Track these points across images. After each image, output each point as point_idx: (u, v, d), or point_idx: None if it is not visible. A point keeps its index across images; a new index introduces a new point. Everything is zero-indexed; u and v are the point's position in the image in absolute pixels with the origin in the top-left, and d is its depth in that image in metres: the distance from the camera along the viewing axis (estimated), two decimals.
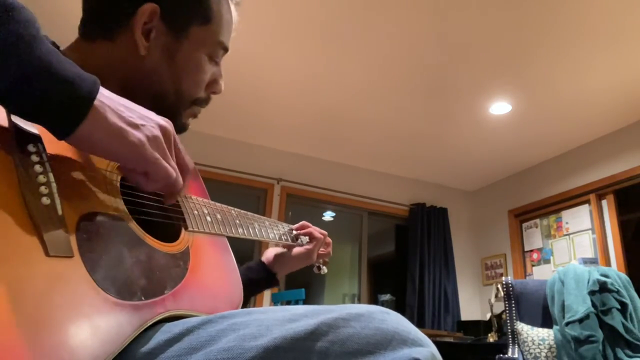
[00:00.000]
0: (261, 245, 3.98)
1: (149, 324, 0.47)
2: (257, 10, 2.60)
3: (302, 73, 3.19)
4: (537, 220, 4.35)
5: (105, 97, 0.46)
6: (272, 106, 3.62)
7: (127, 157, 0.48)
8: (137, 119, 0.48)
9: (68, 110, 0.43)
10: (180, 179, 0.53)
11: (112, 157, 0.48)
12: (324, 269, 1.03)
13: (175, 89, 0.67)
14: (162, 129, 0.51)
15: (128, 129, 0.47)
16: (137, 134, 0.48)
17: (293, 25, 2.74)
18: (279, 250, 0.98)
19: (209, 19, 0.68)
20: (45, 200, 0.43)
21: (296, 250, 0.96)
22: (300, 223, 0.99)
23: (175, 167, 0.52)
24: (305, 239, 0.97)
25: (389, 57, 2.98)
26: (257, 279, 0.94)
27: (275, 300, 3.27)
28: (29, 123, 0.46)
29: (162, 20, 0.64)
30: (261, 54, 2.98)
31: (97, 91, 0.45)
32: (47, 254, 0.41)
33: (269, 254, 0.98)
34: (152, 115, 0.51)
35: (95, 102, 0.44)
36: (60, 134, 0.44)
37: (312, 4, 2.55)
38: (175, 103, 0.68)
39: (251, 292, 0.93)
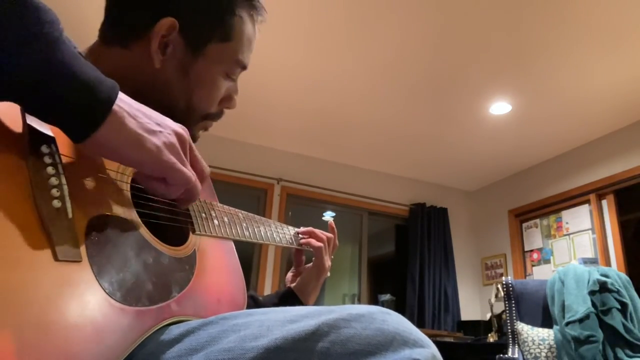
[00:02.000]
0: (261, 247, 3.98)
1: (153, 330, 0.47)
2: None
3: (302, 73, 3.19)
4: (537, 220, 4.35)
5: (124, 102, 0.46)
6: (272, 107, 3.63)
7: (144, 163, 0.48)
8: (154, 125, 0.48)
9: (86, 113, 0.43)
10: (199, 184, 0.53)
11: (129, 163, 0.48)
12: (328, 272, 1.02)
13: (187, 103, 0.66)
14: (178, 135, 0.51)
15: (145, 135, 0.47)
16: (154, 140, 0.47)
17: (293, 25, 2.74)
18: (291, 277, 0.95)
19: (230, 37, 0.66)
20: (57, 204, 0.43)
21: (306, 270, 0.93)
22: (307, 229, 0.96)
23: (193, 172, 0.52)
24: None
25: (389, 58, 2.98)
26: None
27: None
28: (44, 124, 0.46)
29: (181, 35, 0.63)
30: (262, 54, 2.98)
31: (116, 96, 0.45)
32: (56, 258, 0.41)
33: (291, 283, 0.94)
34: (168, 121, 0.51)
35: (114, 107, 0.44)
36: (76, 137, 0.44)
37: (313, 5, 2.55)
38: (186, 116, 0.67)
39: None
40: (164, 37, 0.62)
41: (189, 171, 0.51)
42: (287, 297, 0.90)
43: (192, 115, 0.68)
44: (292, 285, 0.92)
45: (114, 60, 0.62)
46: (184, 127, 0.53)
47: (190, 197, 0.54)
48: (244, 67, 0.71)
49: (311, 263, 0.93)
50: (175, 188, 0.51)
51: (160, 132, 0.49)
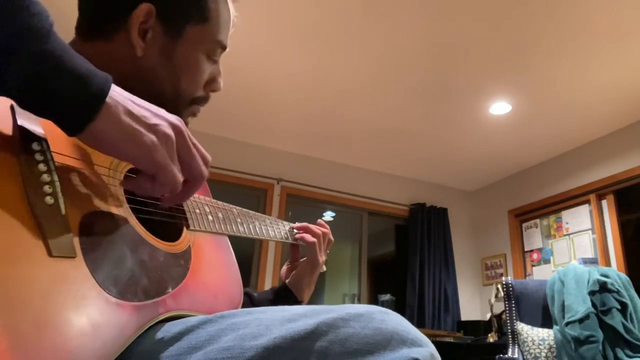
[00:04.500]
0: (261, 244, 3.98)
1: (150, 325, 0.47)
2: (258, 11, 2.60)
3: (302, 73, 3.19)
4: (537, 220, 4.35)
5: (118, 94, 0.45)
6: (272, 106, 3.63)
7: (137, 158, 0.47)
8: (150, 118, 0.48)
9: (79, 106, 0.42)
10: (180, 187, 0.52)
11: (123, 157, 0.48)
12: (323, 267, 1.03)
13: (173, 89, 0.66)
14: (175, 128, 0.50)
15: (141, 129, 0.46)
16: (150, 136, 0.47)
17: (293, 25, 2.74)
18: (286, 271, 0.95)
19: (206, 18, 0.67)
20: (49, 200, 0.43)
21: (300, 265, 0.93)
22: (302, 224, 0.96)
23: (181, 176, 0.51)
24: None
25: (389, 58, 2.98)
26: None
27: None
28: (34, 122, 0.46)
29: (159, 20, 0.63)
30: (261, 54, 2.98)
31: (109, 88, 0.44)
32: (50, 254, 0.41)
33: (285, 278, 0.94)
34: (164, 113, 0.50)
35: (108, 100, 0.44)
36: (71, 131, 0.43)
37: (311, 6, 2.55)
38: (174, 102, 0.67)
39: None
40: (142, 24, 0.62)
41: (178, 174, 0.50)
42: (282, 293, 0.90)
43: (180, 100, 0.68)
44: (287, 280, 0.93)
45: (95, 54, 0.61)
46: (180, 119, 0.52)
47: (173, 198, 0.54)
48: (223, 48, 0.72)
49: (305, 258, 0.94)
50: (161, 188, 0.50)
51: (156, 124, 0.48)
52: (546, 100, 3.37)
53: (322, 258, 0.94)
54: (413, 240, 4.54)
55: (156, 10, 0.62)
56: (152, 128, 0.47)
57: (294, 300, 0.90)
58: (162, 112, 0.50)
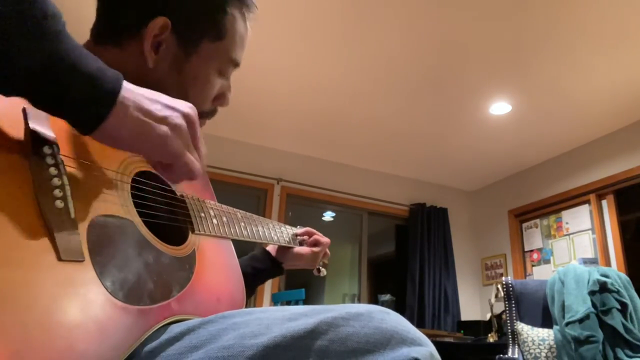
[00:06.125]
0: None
1: (155, 329, 0.48)
2: (259, 9, 2.59)
3: (302, 73, 3.19)
4: (537, 220, 4.35)
5: (129, 91, 0.46)
6: (272, 106, 3.63)
7: (152, 151, 0.48)
8: (162, 110, 0.48)
9: (91, 106, 0.43)
10: (201, 171, 0.53)
11: (137, 151, 0.48)
12: (324, 271, 1.04)
13: None
14: (187, 117, 0.50)
15: (152, 123, 0.46)
16: (162, 128, 0.47)
17: (292, 25, 2.74)
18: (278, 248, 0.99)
19: (222, 36, 0.67)
20: (59, 204, 0.44)
21: (302, 249, 0.96)
22: (305, 229, 0.99)
23: (198, 158, 0.52)
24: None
25: (389, 58, 2.99)
26: (263, 269, 0.94)
27: (275, 301, 3.28)
28: (45, 125, 0.46)
29: (173, 34, 0.63)
30: (261, 54, 2.99)
31: (120, 86, 0.45)
32: (59, 258, 0.41)
33: (274, 246, 0.98)
34: (176, 103, 0.50)
35: (119, 98, 0.44)
36: (84, 130, 0.44)
37: (311, 5, 2.55)
38: None
39: (257, 281, 0.93)
40: (156, 37, 0.62)
41: (195, 160, 0.51)
42: (264, 260, 0.95)
43: None
44: (275, 249, 0.97)
45: (107, 60, 0.61)
46: (193, 107, 0.52)
47: (191, 180, 0.55)
48: (236, 65, 0.71)
49: (309, 248, 0.97)
50: (180, 176, 0.51)
51: (167, 117, 0.48)
52: (546, 101, 3.37)
53: (316, 262, 0.99)
54: (413, 240, 4.54)
55: (172, 25, 0.62)
56: (163, 121, 0.48)
57: (278, 267, 0.96)
58: (174, 102, 0.50)
